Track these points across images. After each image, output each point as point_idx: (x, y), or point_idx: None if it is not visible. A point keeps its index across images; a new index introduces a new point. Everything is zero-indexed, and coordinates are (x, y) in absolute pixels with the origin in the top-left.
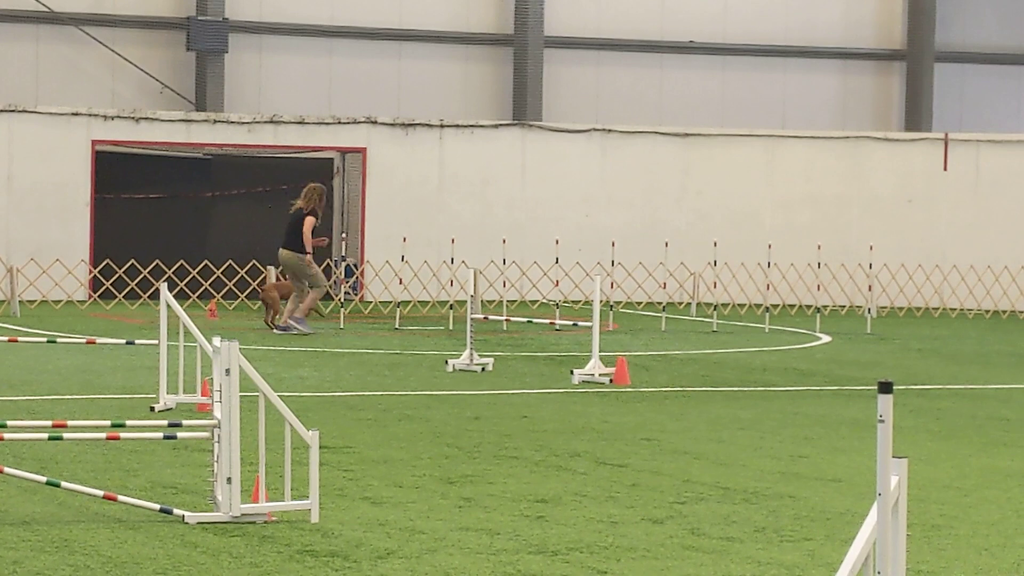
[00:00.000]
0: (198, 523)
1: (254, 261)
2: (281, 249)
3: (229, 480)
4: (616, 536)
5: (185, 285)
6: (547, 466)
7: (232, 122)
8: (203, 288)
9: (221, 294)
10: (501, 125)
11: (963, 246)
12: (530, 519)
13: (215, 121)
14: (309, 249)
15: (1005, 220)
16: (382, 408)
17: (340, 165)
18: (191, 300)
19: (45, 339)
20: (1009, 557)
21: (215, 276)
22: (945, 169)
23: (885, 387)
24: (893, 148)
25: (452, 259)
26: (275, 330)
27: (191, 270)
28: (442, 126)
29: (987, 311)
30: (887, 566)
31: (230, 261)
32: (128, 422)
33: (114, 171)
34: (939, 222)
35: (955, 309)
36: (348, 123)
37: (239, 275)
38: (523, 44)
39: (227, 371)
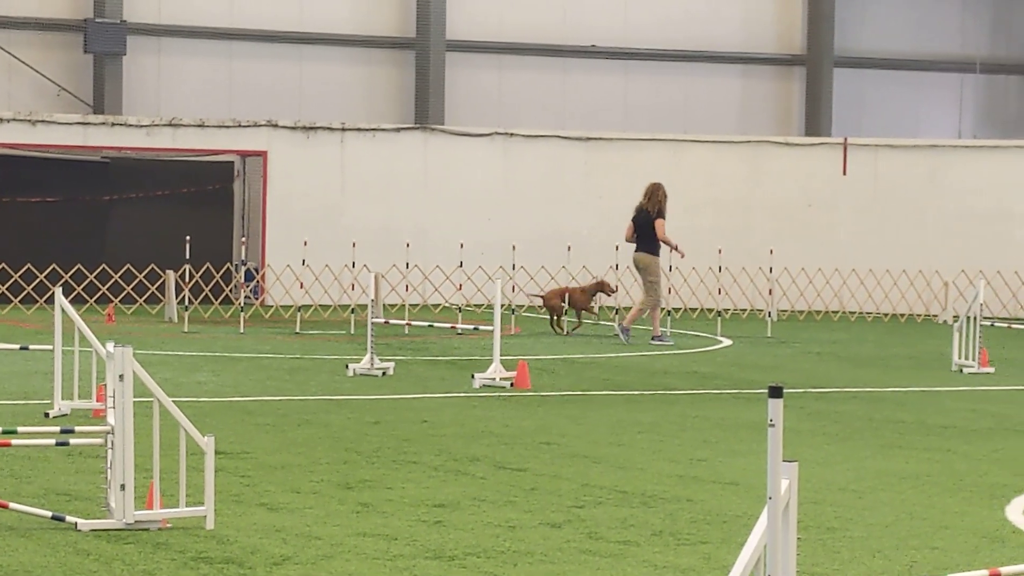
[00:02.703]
0: (91, 530)
1: (153, 265)
2: (635, 253)
3: (123, 487)
4: (514, 540)
5: (83, 290)
6: (446, 471)
7: (130, 125)
8: (101, 293)
9: (119, 299)
10: (403, 128)
11: (862, 250)
12: (428, 524)
13: (113, 124)
14: (673, 244)
15: (903, 224)
16: (281, 413)
17: (240, 169)
18: (89, 305)
19: None
20: (902, 559)
21: (113, 280)
22: (844, 174)
23: (776, 391)
24: (793, 153)
25: (353, 263)
26: (567, 334)
27: (88, 274)
28: (343, 129)
29: (885, 314)
30: (777, 569)
31: (128, 265)
32: (20, 428)
33: (10, 174)
34: (839, 226)
35: (854, 313)
36: (248, 126)
37: (137, 279)
38: (425, 47)
39: (121, 377)
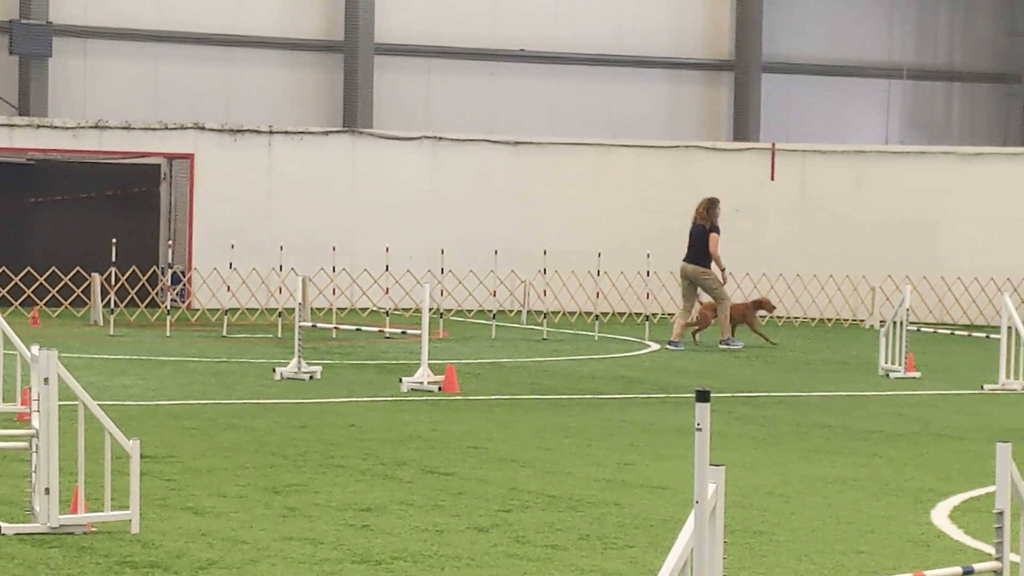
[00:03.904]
0: (15, 534)
1: (78, 268)
2: (683, 263)
3: (47, 491)
4: (441, 545)
5: (7, 292)
6: (373, 475)
7: (56, 127)
8: (26, 295)
9: (44, 301)
10: (331, 132)
11: (789, 255)
12: (355, 528)
13: (39, 126)
14: (722, 265)
15: (830, 229)
16: (207, 417)
17: (167, 171)
18: (13, 308)
19: None
20: (828, 563)
21: (38, 283)
22: (772, 179)
23: (702, 396)
24: (721, 157)
25: (281, 266)
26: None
27: (13, 277)
28: (271, 132)
29: (813, 319)
30: (704, 573)
31: (54, 268)
32: None
33: None
34: (766, 231)
35: (782, 317)
36: (175, 129)
37: (63, 282)
38: (353, 51)
39: (45, 380)
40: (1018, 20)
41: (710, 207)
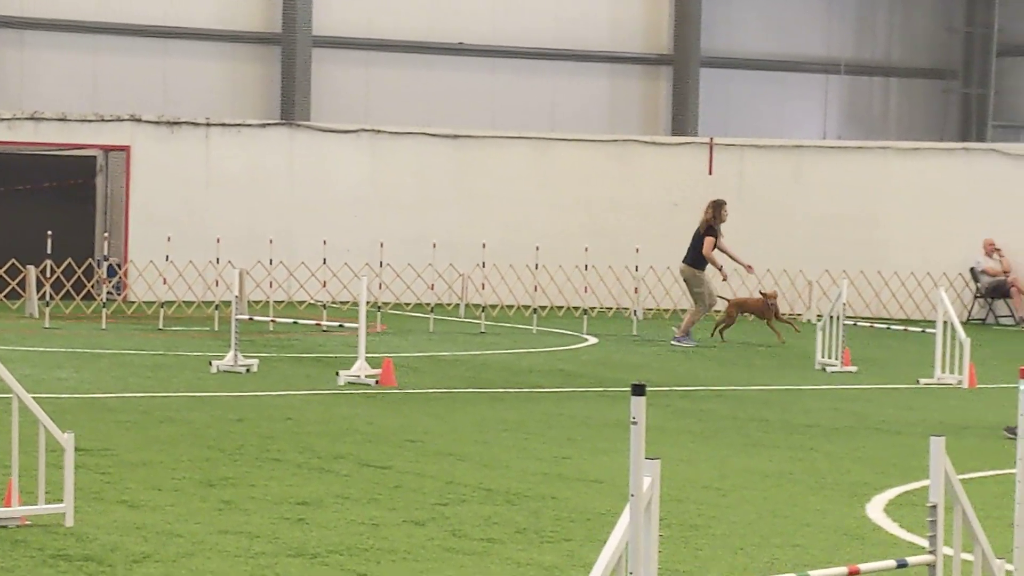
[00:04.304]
0: None
1: (13, 260)
2: (681, 262)
3: None
4: (377, 538)
5: None
6: (310, 468)
7: None
8: None
9: None
10: (269, 124)
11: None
12: (290, 522)
13: None
14: (718, 265)
15: (768, 224)
16: (143, 410)
17: (103, 163)
18: None
19: None
20: (763, 556)
21: None
22: (710, 173)
23: (638, 389)
24: (660, 152)
25: (218, 259)
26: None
27: None
28: (208, 125)
29: (750, 313)
30: (639, 566)
31: None
32: None
33: None
34: None
35: (719, 311)
36: (112, 120)
37: None
38: (291, 43)
39: None
40: (955, 16)
41: (712, 209)
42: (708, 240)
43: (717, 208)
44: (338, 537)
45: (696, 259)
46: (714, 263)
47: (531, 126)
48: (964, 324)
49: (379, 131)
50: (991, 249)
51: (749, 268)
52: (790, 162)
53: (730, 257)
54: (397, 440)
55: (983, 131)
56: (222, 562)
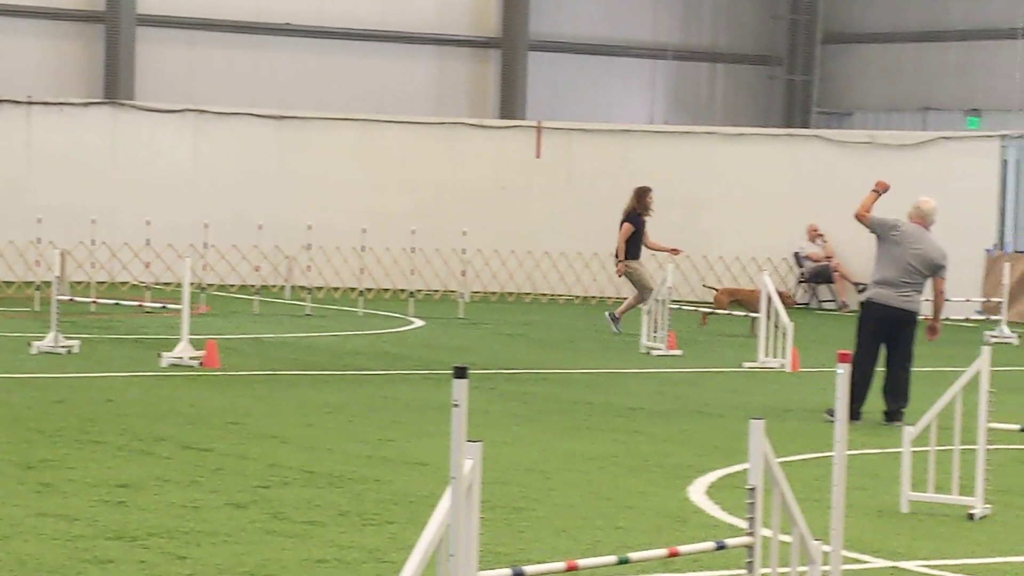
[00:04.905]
0: None
1: None
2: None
3: None
4: (197, 521)
5: None
6: (130, 451)
7: None
8: None
9: None
10: (91, 103)
11: (554, 233)
12: (110, 504)
13: None
14: (621, 256)
15: (595, 208)
16: None
17: None
18: None
19: None
20: (586, 538)
21: None
22: (538, 157)
23: (460, 372)
24: (487, 135)
25: (39, 239)
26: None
27: None
28: (29, 103)
29: (576, 297)
30: (459, 548)
31: None
32: None
33: None
34: (531, 209)
35: (546, 295)
36: None
37: None
38: (115, 22)
39: None
40: (780, 4)
41: (634, 197)
42: (626, 227)
43: (640, 196)
44: (158, 520)
45: (624, 249)
46: (620, 252)
47: (358, 108)
48: (787, 309)
49: (204, 111)
50: (814, 235)
51: (675, 251)
52: (618, 146)
53: (651, 248)
54: (219, 422)
55: (807, 117)
56: (40, 545)
